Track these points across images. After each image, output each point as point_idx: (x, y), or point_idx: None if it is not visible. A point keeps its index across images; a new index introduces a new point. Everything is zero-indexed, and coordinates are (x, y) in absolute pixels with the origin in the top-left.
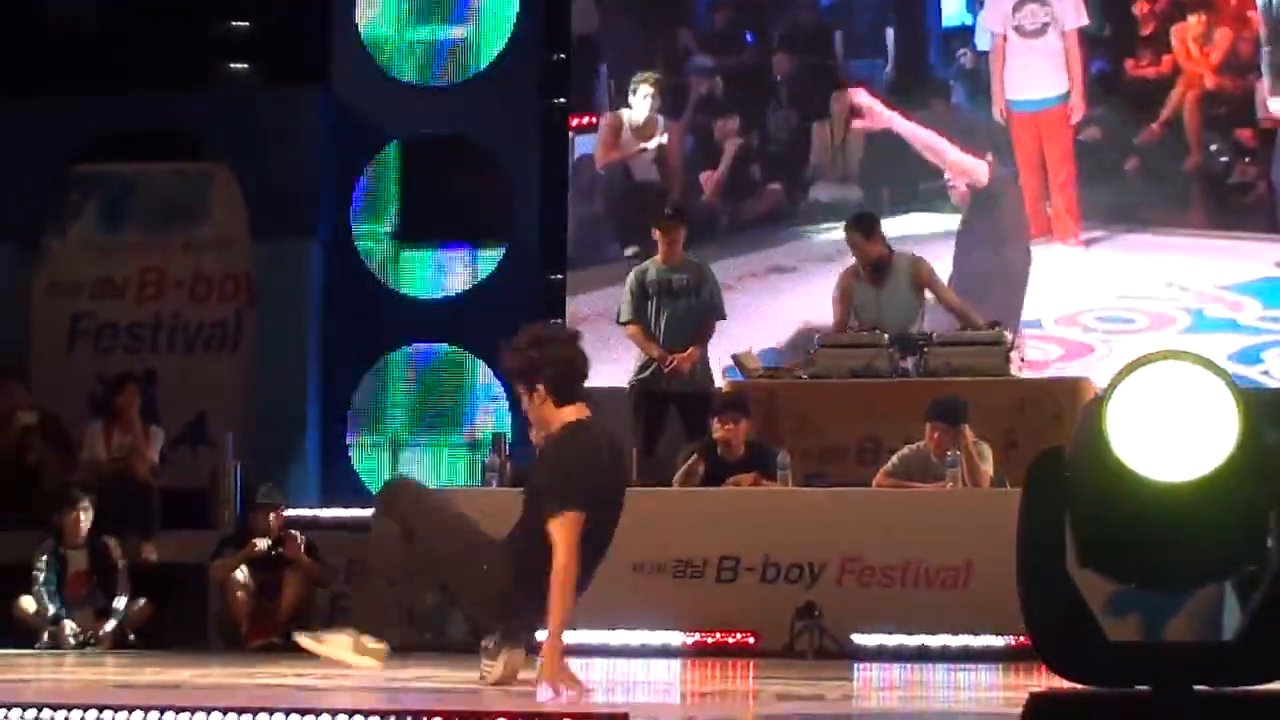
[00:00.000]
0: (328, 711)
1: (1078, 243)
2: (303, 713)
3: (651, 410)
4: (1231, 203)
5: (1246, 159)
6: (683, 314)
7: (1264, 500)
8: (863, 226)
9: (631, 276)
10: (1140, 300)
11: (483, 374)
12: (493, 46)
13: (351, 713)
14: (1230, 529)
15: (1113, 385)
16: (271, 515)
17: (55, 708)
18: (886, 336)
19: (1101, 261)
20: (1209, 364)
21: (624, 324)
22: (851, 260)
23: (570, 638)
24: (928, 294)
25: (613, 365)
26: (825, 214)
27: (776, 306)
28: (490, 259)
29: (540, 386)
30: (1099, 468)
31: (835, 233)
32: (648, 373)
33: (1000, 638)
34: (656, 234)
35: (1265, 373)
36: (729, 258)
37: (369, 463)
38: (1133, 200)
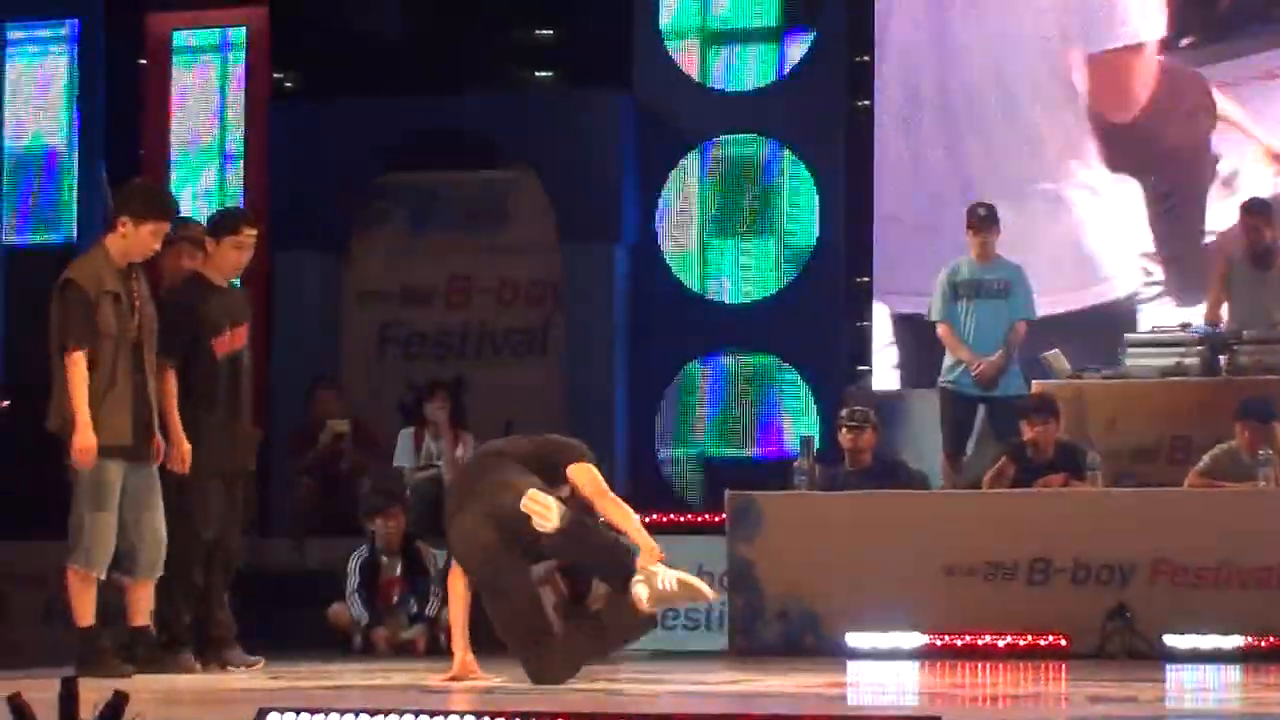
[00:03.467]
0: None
1: None
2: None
3: (960, 411)
4: None
5: None
6: (991, 315)
7: None
8: (1270, 211)
9: (944, 274)
10: None
11: (788, 378)
12: (796, 48)
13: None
14: None
15: None
16: None
17: (372, 713)
18: (1197, 335)
19: None
20: None
21: (934, 322)
22: None
23: (883, 641)
24: None
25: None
26: None
27: None
28: (795, 263)
29: None
30: None
31: None
32: (956, 373)
33: None
34: (969, 234)
35: None
36: None
37: (676, 469)
38: None
